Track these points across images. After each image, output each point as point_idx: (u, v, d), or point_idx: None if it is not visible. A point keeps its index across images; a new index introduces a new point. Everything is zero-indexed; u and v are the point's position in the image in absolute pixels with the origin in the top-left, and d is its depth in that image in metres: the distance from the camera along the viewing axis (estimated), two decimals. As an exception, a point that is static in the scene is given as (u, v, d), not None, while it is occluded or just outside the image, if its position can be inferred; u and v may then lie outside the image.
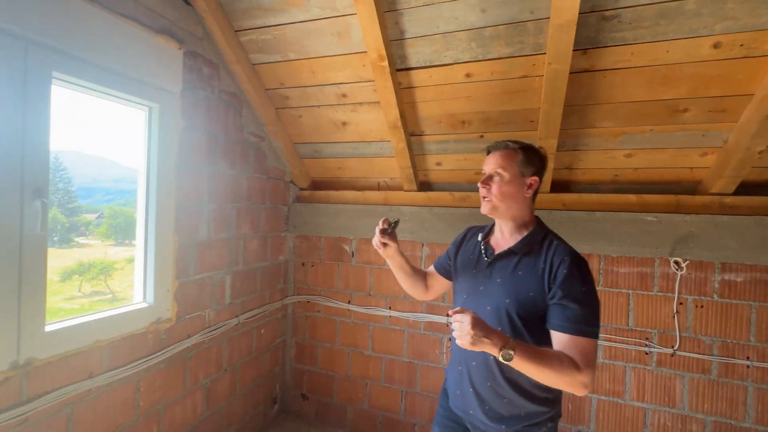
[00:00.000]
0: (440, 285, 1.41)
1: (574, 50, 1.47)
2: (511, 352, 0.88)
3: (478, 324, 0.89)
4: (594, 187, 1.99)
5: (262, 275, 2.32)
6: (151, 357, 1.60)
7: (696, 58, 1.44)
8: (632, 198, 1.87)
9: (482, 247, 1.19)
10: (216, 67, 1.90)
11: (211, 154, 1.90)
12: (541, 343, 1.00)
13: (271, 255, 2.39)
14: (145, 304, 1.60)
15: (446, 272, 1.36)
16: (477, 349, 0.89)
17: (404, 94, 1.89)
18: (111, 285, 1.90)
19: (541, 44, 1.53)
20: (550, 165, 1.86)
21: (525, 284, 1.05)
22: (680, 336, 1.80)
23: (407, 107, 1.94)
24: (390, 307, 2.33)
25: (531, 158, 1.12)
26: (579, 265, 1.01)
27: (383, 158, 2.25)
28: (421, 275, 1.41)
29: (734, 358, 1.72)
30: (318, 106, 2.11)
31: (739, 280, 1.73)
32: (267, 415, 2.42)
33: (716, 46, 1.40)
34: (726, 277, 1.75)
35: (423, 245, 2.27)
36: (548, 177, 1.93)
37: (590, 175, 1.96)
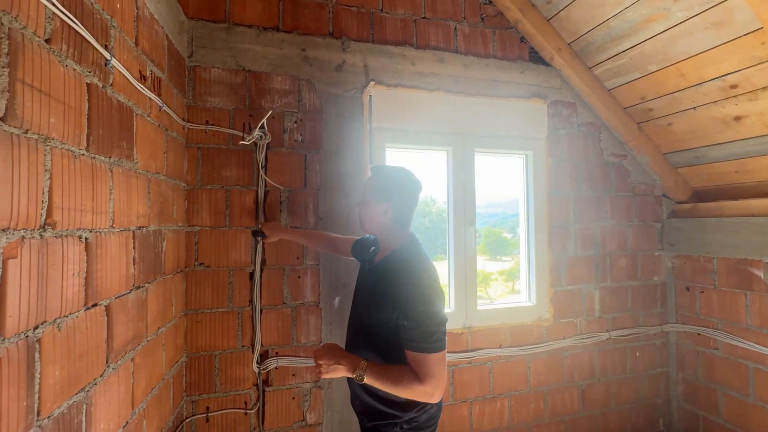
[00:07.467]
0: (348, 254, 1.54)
1: None
2: (363, 373, 1.03)
3: (325, 353, 1.07)
4: None
5: (633, 294, 2.26)
6: (535, 345, 2.05)
7: None
8: None
9: (369, 258, 1.29)
10: (573, 105, 2.19)
11: (574, 180, 2.18)
12: (390, 351, 1.09)
13: (642, 275, 2.28)
14: (529, 304, 2.10)
15: (357, 256, 1.45)
16: (330, 376, 1.07)
17: None
18: (488, 292, 2.42)
19: None
20: None
21: (376, 298, 1.13)
22: None
23: None
24: None
25: (381, 185, 1.18)
26: (415, 285, 1.06)
27: (821, 148, 1.60)
28: (335, 240, 1.57)
29: None
30: (694, 107, 1.87)
31: None
32: (648, 447, 2.26)
33: None
34: None
35: None
36: None
37: None
